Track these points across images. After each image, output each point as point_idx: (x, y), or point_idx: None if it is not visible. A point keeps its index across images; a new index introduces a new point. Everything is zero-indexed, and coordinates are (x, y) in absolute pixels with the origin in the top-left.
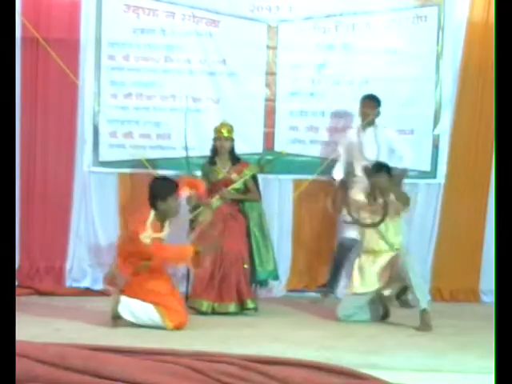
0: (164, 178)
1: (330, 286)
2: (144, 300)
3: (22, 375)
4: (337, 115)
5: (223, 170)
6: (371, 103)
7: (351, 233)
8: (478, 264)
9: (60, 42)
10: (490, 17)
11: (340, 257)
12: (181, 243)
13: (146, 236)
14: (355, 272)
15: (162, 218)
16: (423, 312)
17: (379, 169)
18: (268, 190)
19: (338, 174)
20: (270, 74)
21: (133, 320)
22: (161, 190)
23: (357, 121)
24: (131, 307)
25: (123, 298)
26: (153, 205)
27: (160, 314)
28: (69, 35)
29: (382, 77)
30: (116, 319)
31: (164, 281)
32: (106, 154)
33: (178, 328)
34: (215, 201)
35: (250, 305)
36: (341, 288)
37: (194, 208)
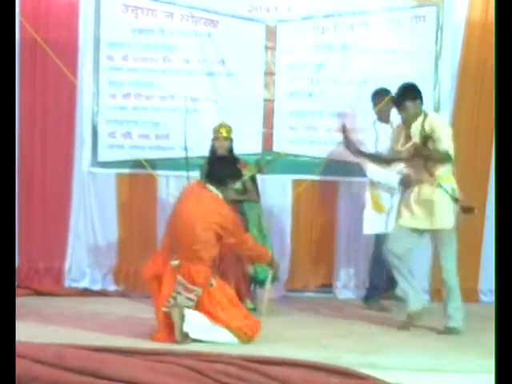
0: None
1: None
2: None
3: (21, 375)
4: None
5: None
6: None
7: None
8: (477, 264)
9: (58, 43)
10: (489, 16)
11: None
12: None
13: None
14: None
15: None
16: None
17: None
18: (267, 191)
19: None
20: (269, 74)
21: (201, 338)
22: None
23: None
24: (198, 322)
25: (188, 313)
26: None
27: (232, 332)
28: (67, 35)
29: (380, 77)
30: (184, 336)
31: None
32: (104, 155)
33: (249, 339)
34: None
35: (249, 305)
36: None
37: None
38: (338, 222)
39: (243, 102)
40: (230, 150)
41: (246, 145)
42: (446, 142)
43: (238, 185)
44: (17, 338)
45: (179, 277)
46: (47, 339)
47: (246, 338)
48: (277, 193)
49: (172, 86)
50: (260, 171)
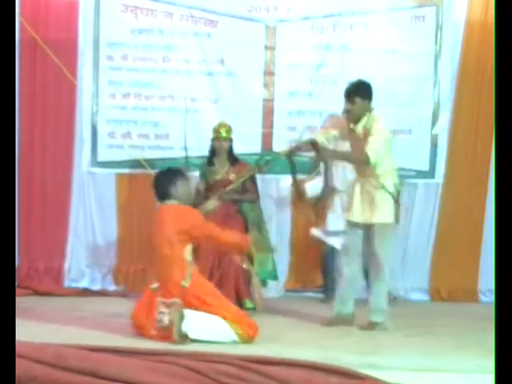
0: (166, 169)
1: (325, 290)
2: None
3: (20, 375)
4: None
5: (221, 170)
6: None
7: (331, 241)
8: (477, 264)
9: (58, 43)
10: (489, 16)
11: (328, 262)
12: None
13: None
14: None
15: None
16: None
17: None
18: (266, 190)
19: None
20: (268, 74)
21: (201, 338)
22: (166, 176)
23: None
24: (197, 322)
25: (188, 313)
26: (166, 196)
27: (231, 326)
28: (67, 35)
29: (380, 77)
30: (183, 337)
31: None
32: (104, 154)
33: (250, 339)
34: (214, 201)
35: (249, 305)
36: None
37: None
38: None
39: (243, 101)
40: (230, 149)
41: (245, 145)
42: (375, 143)
43: (237, 185)
44: (16, 338)
45: (158, 299)
46: (47, 339)
47: (247, 337)
48: (276, 193)
49: (171, 85)
50: (259, 171)
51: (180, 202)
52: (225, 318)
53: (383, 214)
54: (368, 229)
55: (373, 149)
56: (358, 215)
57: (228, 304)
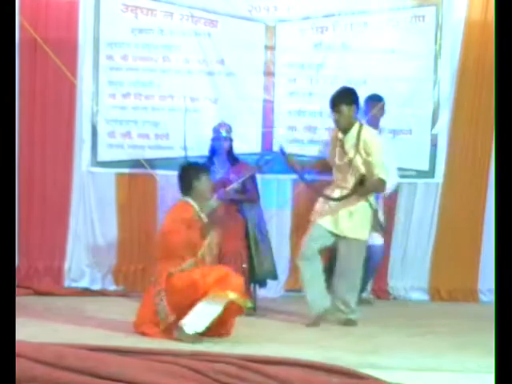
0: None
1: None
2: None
3: (20, 375)
4: None
5: (221, 170)
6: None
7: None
8: (477, 264)
9: (58, 42)
10: (488, 16)
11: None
12: None
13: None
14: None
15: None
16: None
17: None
18: (266, 190)
19: None
20: (268, 74)
21: (206, 324)
22: (194, 170)
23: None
24: (194, 318)
25: (183, 322)
26: (188, 189)
27: (214, 299)
28: (67, 35)
29: (380, 76)
30: (193, 337)
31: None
32: (104, 154)
33: (240, 294)
34: (213, 201)
35: (249, 305)
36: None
37: None
38: None
39: (243, 101)
40: (230, 149)
41: (245, 144)
42: (377, 160)
43: (237, 185)
44: (16, 338)
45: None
46: (47, 339)
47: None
48: (276, 192)
49: (172, 85)
50: (259, 171)
51: (195, 200)
52: (208, 291)
53: (362, 231)
54: (339, 237)
55: (383, 171)
56: (331, 223)
57: (209, 271)
